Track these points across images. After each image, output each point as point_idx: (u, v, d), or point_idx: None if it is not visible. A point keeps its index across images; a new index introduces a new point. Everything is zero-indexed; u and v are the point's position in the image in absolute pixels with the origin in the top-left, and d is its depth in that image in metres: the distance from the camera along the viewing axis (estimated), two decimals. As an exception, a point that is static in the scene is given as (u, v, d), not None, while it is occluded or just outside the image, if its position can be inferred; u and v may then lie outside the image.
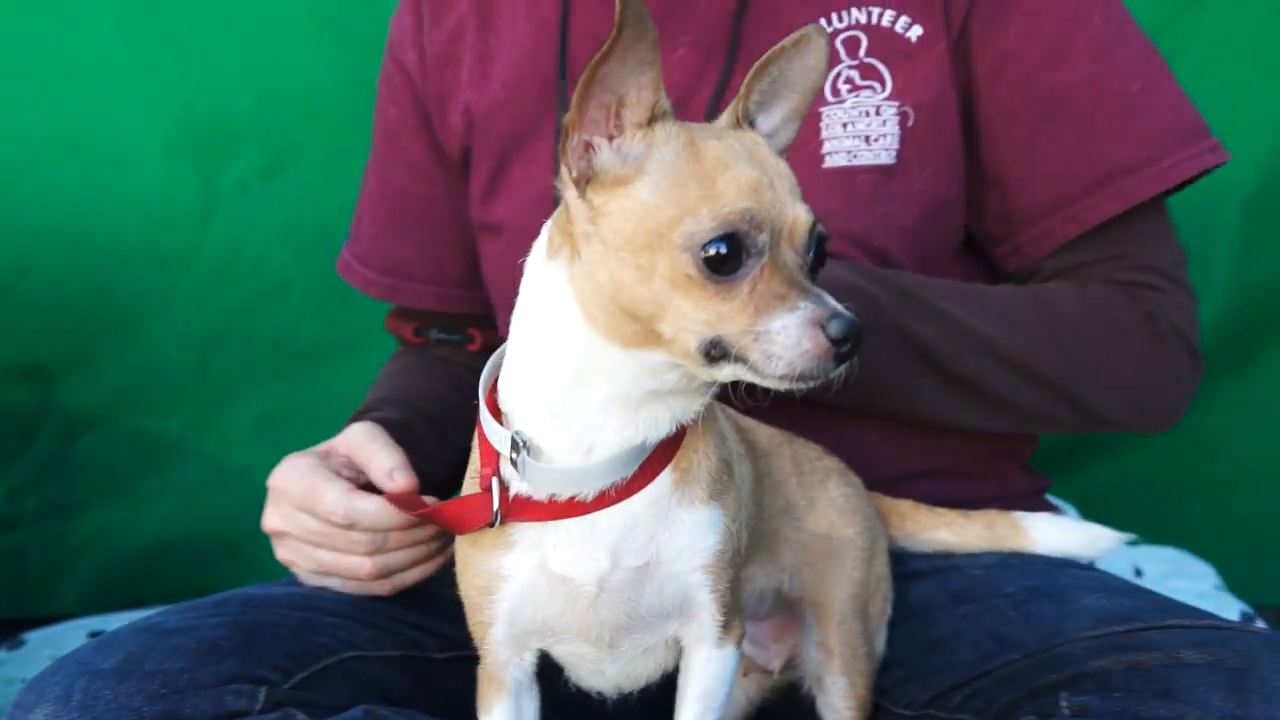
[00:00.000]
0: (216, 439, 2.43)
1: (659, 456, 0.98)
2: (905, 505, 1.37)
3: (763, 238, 0.88)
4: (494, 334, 1.57)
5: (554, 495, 0.98)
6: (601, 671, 1.10)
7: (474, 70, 1.52)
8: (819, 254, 0.94)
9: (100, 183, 2.38)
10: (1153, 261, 1.41)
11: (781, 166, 0.95)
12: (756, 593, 1.21)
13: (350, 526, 1.21)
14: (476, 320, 1.62)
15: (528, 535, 1.01)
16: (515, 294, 1.51)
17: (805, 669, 1.24)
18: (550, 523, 0.99)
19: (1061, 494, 2.49)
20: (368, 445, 1.27)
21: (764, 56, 0.96)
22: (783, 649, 1.27)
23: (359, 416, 1.47)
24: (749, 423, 1.21)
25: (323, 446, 1.30)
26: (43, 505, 2.42)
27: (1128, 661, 1.07)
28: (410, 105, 1.58)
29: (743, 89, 0.96)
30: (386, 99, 1.61)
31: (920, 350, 1.30)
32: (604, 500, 0.98)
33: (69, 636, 2.16)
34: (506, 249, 1.47)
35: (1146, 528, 2.51)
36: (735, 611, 1.05)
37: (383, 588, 1.27)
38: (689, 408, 0.97)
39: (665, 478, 0.99)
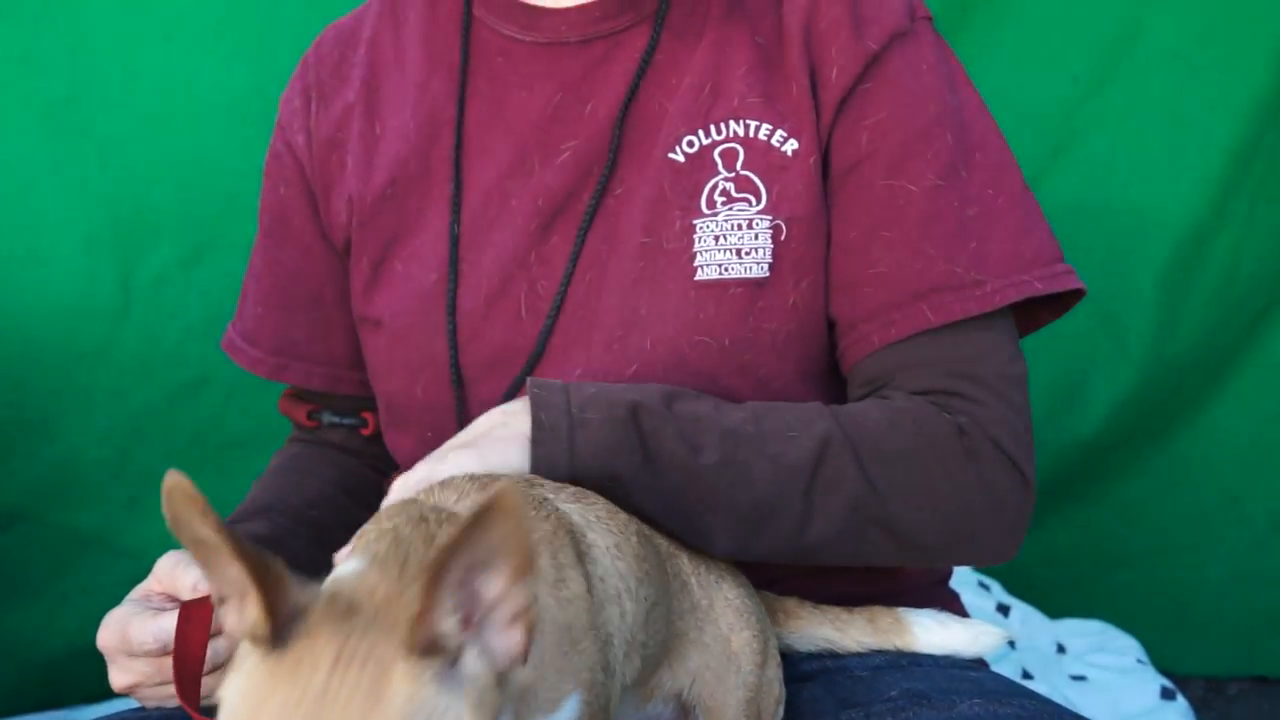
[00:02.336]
0: (136, 535, 2.40)
1: None
2: (790, 603, 1.36)
3: None
4: None
5: None
6: None
7: (359, 159, 1.51)
8: None
9: (15, 278, 2.37)
10: (974, 370, 1.35)
11: None
12: (661, 698, 1.21)
13: (163, 651, 1.19)
14: (368, 404, 1.61)
15: None
16: (394, 394, 1.51)
17: None
18: None
19: (986, 569, 2.51)
20: (173, 570, 1.25)
21: (441, 550, 0.73)
22: (679, 755, 1.26)
23: (232, 523, 1.46)
24: (648, 528, 1.21)
25: (140, 590, 1.28)
26: (-43, 608, 2.39)
27: None
28: (300, 187, 1.58)
29: (422, 597, 0.74)
30: (277, 178, 1.61)
31: (702, 481, 1.25)
32: None
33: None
34: (387, 344, 1.47)
35: (1073, 599, 2.54)
36: None
37: None
38: None
39: None
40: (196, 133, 2.41)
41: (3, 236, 2.37)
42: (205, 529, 0.76)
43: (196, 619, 1.16)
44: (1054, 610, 2.47)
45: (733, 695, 1.21)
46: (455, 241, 1.45)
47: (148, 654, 1.19)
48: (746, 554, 1.30)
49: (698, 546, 1.28)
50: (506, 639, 0.78)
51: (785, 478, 1.26)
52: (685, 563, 1.23)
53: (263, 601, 0.74)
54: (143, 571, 2.38)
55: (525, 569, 0.75)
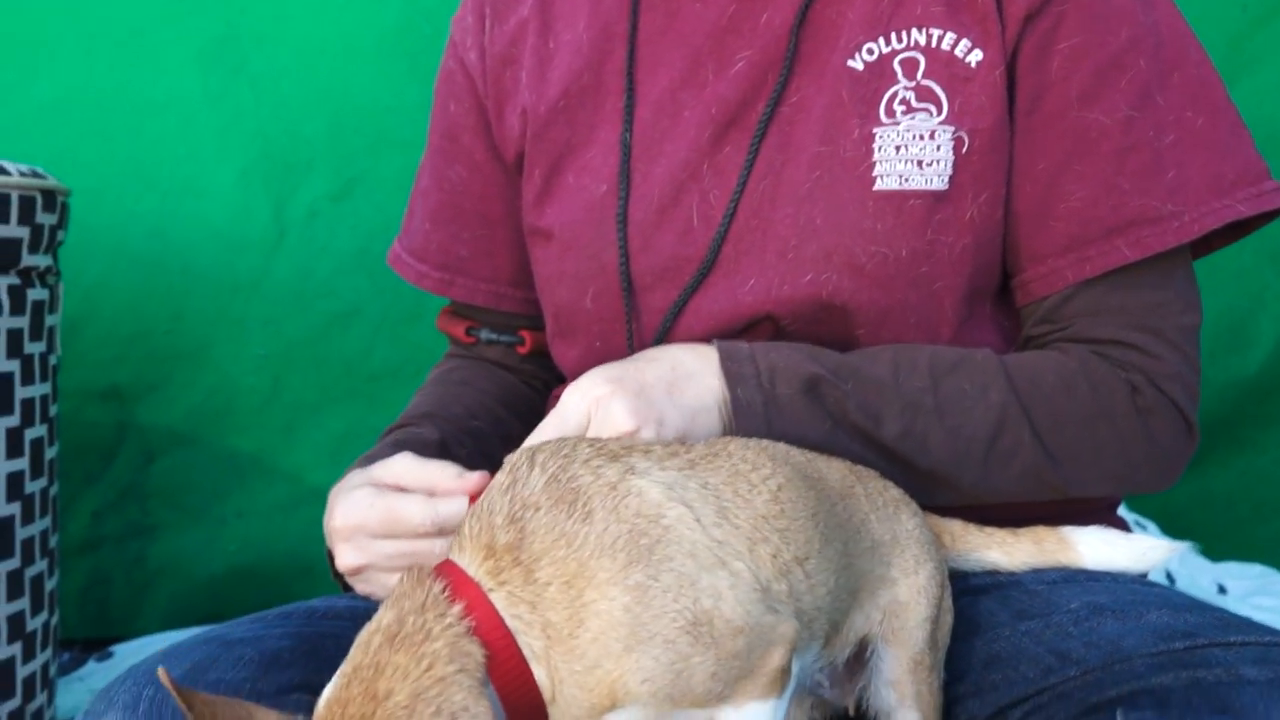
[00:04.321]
0: (291, 461, 2.47)
1: None
2: (956, 525, 1.34)
3: None
4: (543, 336, 1.57)
5: None
6: None
7: (533, 73, 1.52)
8: None
9: (174, 210, 2.44)
10: (1155, 323, 1.35)
11: None
12: (858, 639, 1.19)
13: (439, 533, 1.21)
14: (527, 321, 1.62)
15: None
16: (562, 304, 1.53)
17: (873, 704, 1.22)
18: None
19: (1142, 510, 2.44)
20: (423, 466, 1.27)
21: None
22: (854, 686, 1.24)
23: (399, 427, 1.48)
24: (821, 465, 1.19)
25: (362, 477, 1.31)
26: (124, 527, 2.48)
27: (1187, 678, 1.04)
28: (472, 104, 1.59)
29: None
30: (447, 95, 1.62)
31: (885, 448, 1.28)
32: None
33: (154, 649, 2.19)
34: (557, 255, 1.47)
35: (1230, 545, 2.46)
36: (738, 683, 0.98)
37: None
38: None
39: None
40: (348, 68, 2.44)
41: (162, 170, 2.43)
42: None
43: None
44: (1212, 555, 2.41)
45: (920, 630, 1.20)
46: (627, 152, 1.45)
47: (415, 534, 1.21)
48: (921, 497, 1.30)
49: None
50: None
51: (963, 449, 1.28)
52: (862, 501, 1.20)
53: None
54: (298, 497, 2.48)
55: None
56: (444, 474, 1.25)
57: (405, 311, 2.44)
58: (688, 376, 1.23)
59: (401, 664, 0.88)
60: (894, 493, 1.26)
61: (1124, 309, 1.35)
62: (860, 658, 1.22)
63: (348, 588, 1.36)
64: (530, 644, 0.91)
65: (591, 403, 1.18)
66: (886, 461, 1.27)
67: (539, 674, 0.91)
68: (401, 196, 2.07)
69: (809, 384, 1.25)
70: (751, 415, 1.22)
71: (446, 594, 0.91)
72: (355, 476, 1.31)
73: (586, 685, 0.92)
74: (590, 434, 1.15)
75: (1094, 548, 1.32)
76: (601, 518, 0.94)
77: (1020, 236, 1.37)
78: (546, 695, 0.92)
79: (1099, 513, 1.49)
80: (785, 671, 1.00)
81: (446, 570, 0.93)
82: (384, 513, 1.23)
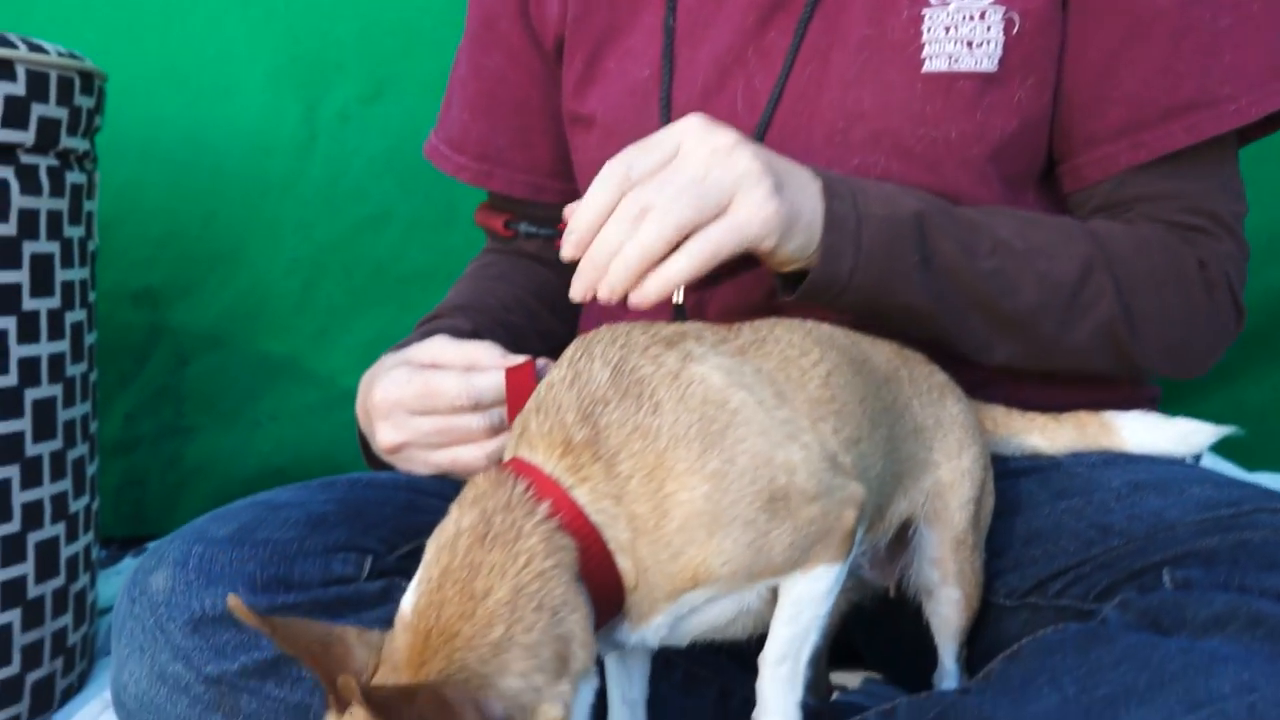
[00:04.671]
0: (323, 365, 2.47)
1: None
2: (997, 410, 1.34)
3: None
4: None
5: None
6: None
7: None
8: None
9: (205, 111, 2.42)
10: (1211, 206, 1.36)
11: None
12: (897, 523, 1.20)
13: (474, 407, 1.22)
14: None
15: None
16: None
17: (915, 581, 1.23)
18: None
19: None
20: (459, 345, 1.27)
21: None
22: (896, 568, 1.25)
23: (433, 319, 1.48)
24: (867, 348, 1.18)
25: (397, 358, 1.31)
26: (159, 429, 2.49)
27: (1234, 539, 1.06)
28: None
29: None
30: None
31: (976, 284, 1.26)
32: None
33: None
34: (598, 142, 1.46)
35: (1261, 458, 2.45)
36: (812, 548, 0.99)
37: None
38: None
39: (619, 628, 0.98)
40: (379, -32, 2.41)
41: (191, 71, 2.41)
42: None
43: (522, 380, 1.17)
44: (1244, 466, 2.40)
45: (963, 511, 1.20)
46: (670, 36, 1.43)
47: (454, 409, 1.22)
48: (989, 353, 1.30)
49: (948, 338, 1.29)
50: None
51: (1049, 293, 1.27)
52: (906, 386, 1.20)
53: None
54: (330, 399, 2.48)
55: None
56: (480, 351, 1.25)
57: (437, 216, 2.43)
58: (791, 169, 1.20)
59: (498, 562, 0.88)
60: (939, 378, 1.26)
61: (1180, 194, 1.35)
62: (902, 539, 1.22)
63: (382, 469, 1.37)
64: (616, 536, 0.92)
65: (708, 149, 1.13)
66: (971, 303, 1.26)
67: (623, 564, 0.93)
68: (434, 99, 2.06)
69: (904, 211, 1.23)
70: (843, 232, 1.19)
71: (531, 492, 0.91)
72: (390, 359, 1.32)
73: (670, 572, 0.93)
74: (709, 182, 1.12)
75: (1137, 431, 1.32)
76: (671, 409, 0.95)
77: (1073, 121, 1.36)
78: (629, 584, 0.93)
79: (1138, 407, 1.48)
80: (853, 534, 1.01)
81: (521, 469, 0.94)
82: (421, 387, 1.23)
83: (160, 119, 2.41)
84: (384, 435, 1.27)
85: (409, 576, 1.16)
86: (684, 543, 0.93)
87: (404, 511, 1.25)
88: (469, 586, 0.88)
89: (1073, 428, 1.34)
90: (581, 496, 0.93)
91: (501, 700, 0.86)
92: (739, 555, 0.94)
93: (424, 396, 1.23)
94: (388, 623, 1.13)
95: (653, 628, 0.96)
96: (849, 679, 1.61)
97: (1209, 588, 1.02)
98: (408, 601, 0.91)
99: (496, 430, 1.23)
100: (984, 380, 1.35)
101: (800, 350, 1.08)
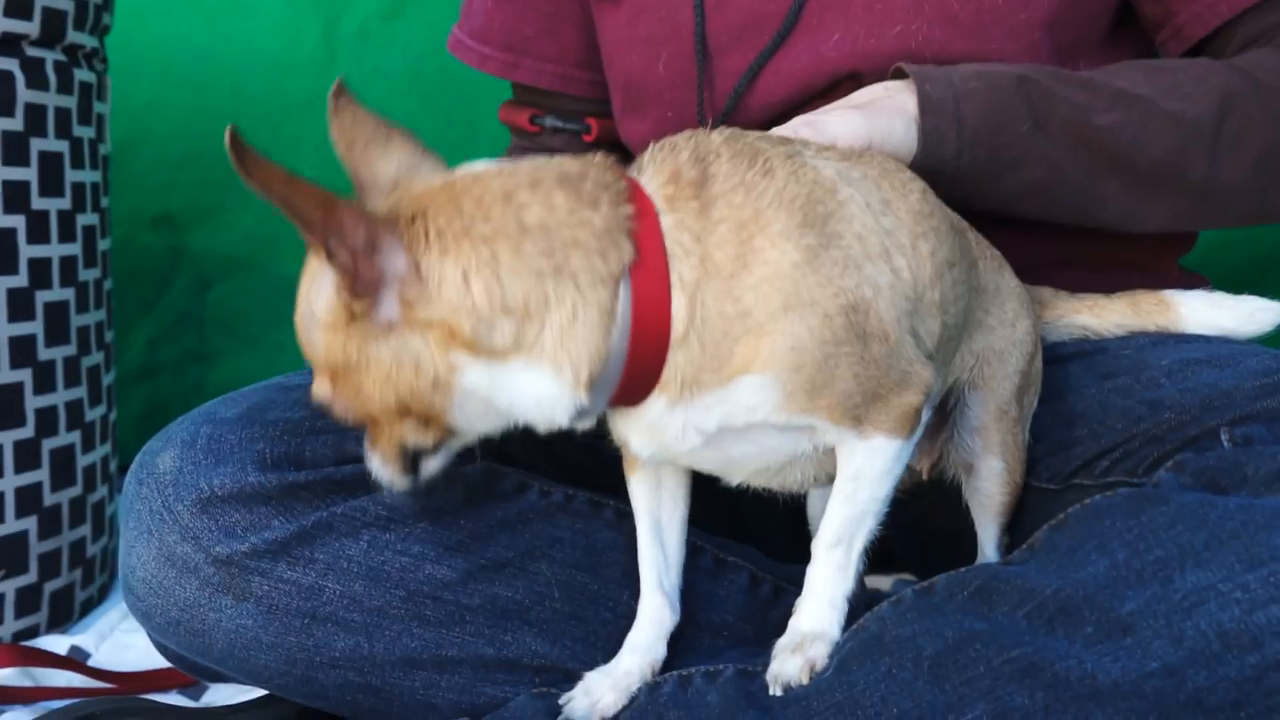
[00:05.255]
0: (344, 287, 2.43)
1: (629, 397, 0.92)
2: (1045, 292, 1.28)
3: None
4: (610, 124, 1.50)
5: None
6: (761, 484, 1.05)
7: None
8: None
9: (222, 30, 2.37)
10: None
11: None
12: (948, 384, 1.13)
13: None
14: (594, 107, 1.54)
15: None
16: (633, 73, 1.45)
17: (955, 456, 1.17)
18: None
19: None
20: None
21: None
22: (934, 447, 1.20)
23: None
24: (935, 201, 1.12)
25: None
26: (181, 354, 2.46)
27: None
28: None
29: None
30: None
31: (1100, 143, 1.18)
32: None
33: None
34: (627, 20, 1.39)
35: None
36: (872, 405, 0.95)
37: None
38: None
39: (656, 402, 0.92)
40: (396, -120, 2.35)
41: (210, -10, 2.37)
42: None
43: None
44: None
45: (1009, 381, 1.15)
46: (701, -96, 1.37)
47: None
48: (1141, 219, 1.22)
49: (1089, 215, 1.21)
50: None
51: (1189, 133, 1.18)
52: (974, 244, 1.15)
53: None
54: (353, 321, 2.42)
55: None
56: None
57: (459, 136, 2.37)
58: (890, 91, 1.16)
59: (557, 201, 0.87)
60: (996, 251, 1.20)
61: None
62: (944, 411, 1.17)
63: None
64: (681, 271, 0.88)
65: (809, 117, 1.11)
66: (1101, 165, 1.18)
67: (678, 304, 0.88)
68: (452, 14, 2.00)
69: (1014, 80, 1.15)
70: (941, 113, 1.12)
71: (625, 192, 0.89)
72: None
73: (732, 334, 0.89)
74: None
75: (1198, 309, 1.25)
76: (783, 176, 0.92)
77: None
78: (677, 331, 0.88)
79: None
80: (917, 414, 0.97)
81: (629, 181, 0.92)
82: None
83: (176, 39, 2.36)
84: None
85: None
86: (755, 302, 0.88)
87: None
88: (515, 192, 0.86)
89: (1125, 304, 1.27)
90: (665, 222, 0.89)
91: (410, 262, 0.84)
92: (808, 348, 0.89)
93: None
94: (403, 501, 1.10)
95: (695, 411, 0.91)
96: (881, 581, 1.56)
97: (1271, 443, 0.96)
98: (462, 168, 0.91)
99: None
100: (1028, 265, 1.29)
101: (896, 167, 1.05)
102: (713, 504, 1.15)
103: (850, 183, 0.96)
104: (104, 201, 1.69)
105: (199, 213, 2.41)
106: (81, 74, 1.59)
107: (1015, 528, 1.21)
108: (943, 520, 1.24)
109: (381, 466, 0.96)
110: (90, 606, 1.68)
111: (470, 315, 0.85)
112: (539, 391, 0.87)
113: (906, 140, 1.12)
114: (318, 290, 0.91)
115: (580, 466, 1.23)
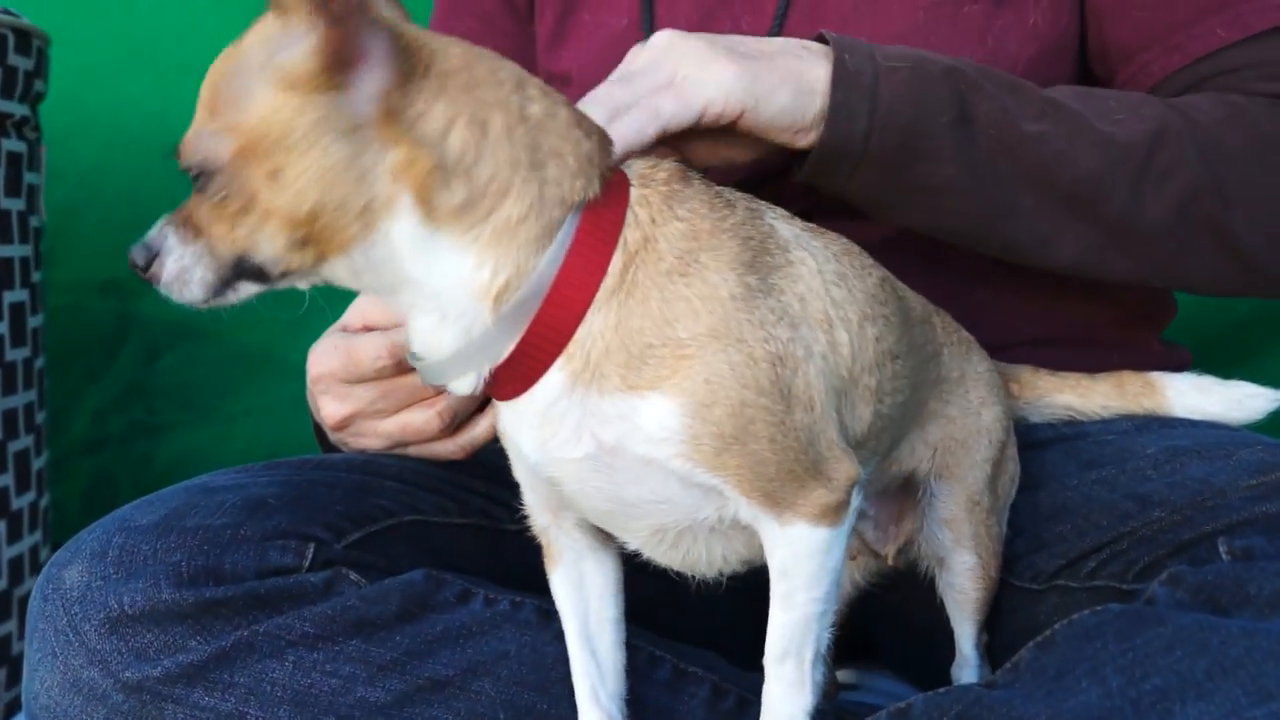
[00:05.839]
0: (301, 354, 2.32)
1: (532, 355, 0.85)
2: (1024, 371, 1.23)
3: None
4: None
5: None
6: (661, 555, 0.97)
7: None
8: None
9: (174, 91, 2.29)
10: None
11: None
12: (902, 474, 1.08)
13: (399, 365, 1.09)
14: None
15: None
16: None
17: (926, 549, 1.10)
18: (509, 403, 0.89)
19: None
20: (378, 303, 1.15)
21: None
22: (900, 532, 1.13)
23: None
24: (901, 287, 1.06)
25: (336, 327, 1.19)
26: (129, 427, 2.37)
27: None
28: None
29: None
30: None
31: (1024, 152, 1.10)
32: (503, 392, 0.88)
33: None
34: (574, 99, 1.34)
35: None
36: (788, 485, 0.88)
37: (455, 449, 1.15)
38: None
39: (555, 377, 0.85)
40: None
41: (156, 51, 2.29)
42: None
43: None
44: None
45: (978, 470, 1.09)
46: (647, -19, 1.32)
47: (379, 373, 1.09)
48: (1049, 246, 1.15)
49: (999, 231, 1.14)
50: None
51: (1116, 157, 1.12)
52: (938, 332, 1.09)
53: None
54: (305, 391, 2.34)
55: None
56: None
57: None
58: (769, 43, 1.08)
59: (560, 113, 0.87)
60: (965, 334, 1.15)
61: (1260, 64, 1.20)
62: (911, 498, 1.10)
63: (337, 452, 1.25)
64: (629, 236, 0.85)
65: (661, 50, 1.05)
66: (1021, 177, 1.11)
67: (615, 263, 0.85)
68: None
69: (943, 69, 1.08)
70: (854, 88, 1.04)
71: (601, 147, 0.88)
72: (332, 327, 1.21)
73: (649, 336, 0.84)
74: (650, 68, 1.04)
75: (1185, 392, 1.19)
76: (742, 214, 0.90)
77: (1101, 39, 1.25)
78: (606, 287, 0.84)
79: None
80: (842, 506, 0.89)
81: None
82: (344, 357, 1.12)
83: (124, 100, 2.29)
84: (327, 409, 1.15)
85: (357, 568, 1.05)
86: (682, 315, 0.84)
87: (355, 494, 1.13)
88: (526, 86, 0.86)
89: (1110, 385, 1.21)
90: (633, 193, 0.88)
91: (402, 76, 0.80)
92: (724, 385, 0.83)
93: (348, 365, 1.11)
94: (331, 621, 1.01)
95: (593, 415, 0.85)
96: (859, 676, 1.48)
97: (1274, 558, 0.88)
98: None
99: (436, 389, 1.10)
100: (1005, 343, 1.22)
101: (859, 250, 1.00)
102: (675, 605, 1.08)
103: (806, 248, 0.92)
104: (35, 276, 1.61)
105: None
106: (10, 144, 1.51)
107: (996, 627, 1.14)
108: (919, 614, 1.17)
109: (195, 264, 0.88)
110: (15, 709, 1.58)
111: (434, 158, 0.80)
112: (450, 279, 0.82)
113: (786, 113, 1.04)
114: (287, 40, 0.82)
115: (530, 568, 1.14)
